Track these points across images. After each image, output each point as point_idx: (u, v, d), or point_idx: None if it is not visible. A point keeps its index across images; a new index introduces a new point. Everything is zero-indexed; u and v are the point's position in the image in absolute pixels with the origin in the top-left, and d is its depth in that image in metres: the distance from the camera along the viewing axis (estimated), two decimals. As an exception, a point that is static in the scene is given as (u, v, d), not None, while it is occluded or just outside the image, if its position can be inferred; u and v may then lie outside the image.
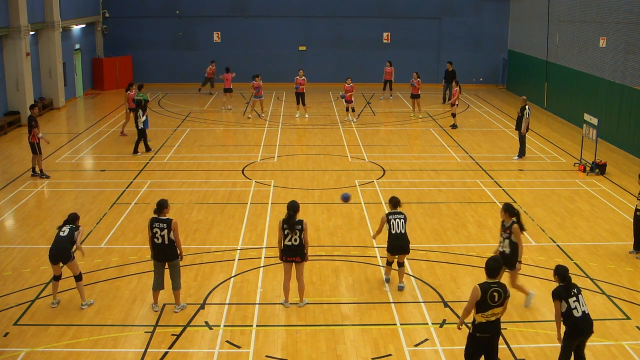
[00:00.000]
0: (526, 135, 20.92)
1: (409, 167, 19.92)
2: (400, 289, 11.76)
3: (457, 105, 25.86)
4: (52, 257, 10.95)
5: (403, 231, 11.56)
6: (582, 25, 25.95)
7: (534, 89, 30.59)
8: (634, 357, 9.86)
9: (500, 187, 18.03)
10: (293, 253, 10.93)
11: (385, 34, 35.69)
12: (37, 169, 18.66)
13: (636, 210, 13.23)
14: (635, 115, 21.21)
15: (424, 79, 34.99)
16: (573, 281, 8.87)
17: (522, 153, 20.87)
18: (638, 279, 12.54)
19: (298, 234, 10.86)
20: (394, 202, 11.90)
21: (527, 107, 20.40)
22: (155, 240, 10.72)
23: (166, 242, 10.70)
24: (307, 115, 26.97)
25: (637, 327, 10.73)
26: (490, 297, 8.28)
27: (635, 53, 22.00)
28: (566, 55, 27.11)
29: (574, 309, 8.61)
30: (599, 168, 19.19)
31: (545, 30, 28.82)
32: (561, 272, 8.83)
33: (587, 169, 19.39)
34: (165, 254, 10.77)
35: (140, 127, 20.96)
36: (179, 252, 10.90)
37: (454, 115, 25.63)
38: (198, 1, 35.00)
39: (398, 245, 11.58)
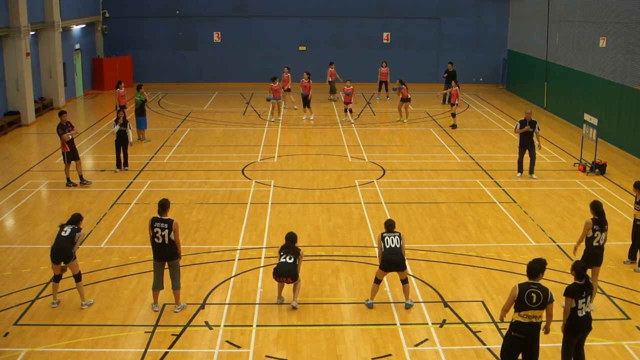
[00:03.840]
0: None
1: (409, 167, 19.92)
2: (408, 307, 11.23)
3: (457, 105, 25.85)
4: (53, 256, 10.95)
5: (398, 246, 10.91)
6: (582, 25, 25.95)
7: (533, 89, 30.62)
8: (634, 357, 9.86)
9: (500, 187, 18.03)
10: (285, 273, 10.95)
11: (385, 34, 35.69)
12: (70, 177, 17.87)
13: (635, 220, 12.89)
14: (635, 115, 21.21)
15: (424, 79, 35.25)
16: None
17: (521, 167, 19.06)
18: (638, 279, 12.55)
19: (294, 254, 11.06)
20: (389, 225, 11.16)
21: (536, 121, 18.58)
22: (156, 240, 10.74)
23: (167, 242, 10.72)
24: (309, 117, 26.39)
25: (637, 327, 10.73)
26: (528, 297, 8.34)
27: (635, 53, 21.99)
28: (566, 55, 27.11)
29: (579, 309, 8.67)
30: (599, 168, 19.19)
31: (545, 30, 28.82)
32: (578, 269, 8.79)
33: (587, 169, 19.38)
34: (166, 253, 10.78)
35: (115, 139, 19.13)
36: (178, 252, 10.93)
37: (453, 115, 25.63)
38: (198, 1, 35.00)
39: (390, 260, 10.83)
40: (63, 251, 10.91)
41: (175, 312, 10.99)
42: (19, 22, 24.72)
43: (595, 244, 11.04)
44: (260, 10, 35.13)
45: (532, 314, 8.37)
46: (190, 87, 34.65)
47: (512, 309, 8.68)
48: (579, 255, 11.26)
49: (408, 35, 35.54)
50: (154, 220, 10.79)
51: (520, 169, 18.99)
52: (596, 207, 11.13)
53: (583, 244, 11.19)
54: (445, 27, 35.53)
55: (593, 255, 11.06)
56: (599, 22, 24.44)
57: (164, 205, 10.85)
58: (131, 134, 19.25)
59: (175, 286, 10.97)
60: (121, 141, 19.03)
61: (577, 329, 8.78)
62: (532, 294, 8.35)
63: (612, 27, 23.64)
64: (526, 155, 18.78)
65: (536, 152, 18.91)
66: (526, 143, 18.60)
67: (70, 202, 16.73)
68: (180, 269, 11.04)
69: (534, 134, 18.47)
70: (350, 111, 26.24)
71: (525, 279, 8.76)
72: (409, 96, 26.43)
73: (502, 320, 9.04)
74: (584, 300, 8.71)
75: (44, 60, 28.11)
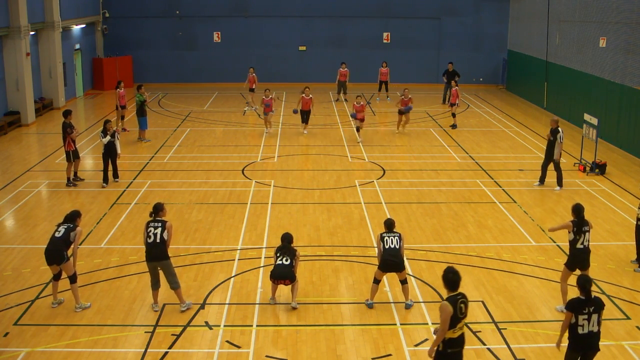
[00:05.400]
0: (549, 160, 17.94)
1: (409, 167, 19.92)
2: (408, 307, 11.26)
3: (458, 105, 25.84)
4: (46, 258, 10.96)
5: (397, 247, 10.99)
6: (582, 25, 25.95)
7: (534, 89, 30.62)
8: (634, 357, 9.87)
9: (500, 187, 18.03)
10: (282, 275, 10.95)
11: (385, 34, 35.69)
12: (71, 177, 17.97)
13: (637, 219, 12.94)
14: (635, 115, 21.21)
15: (424, 79, 35.26)
16: (595, 295, 8.55)
17: (560, 181, 17.80)
18: (638, 279, 12.55)
19: (290, 255, 11.06)
20: (389, 224, 11.25)
21: (560, 130, 17.48)
22: (148, 239, 10.77)
23: (158, 240, 10.72)
24: (305, 131, 24.29)
25: (637, 327, 10.73)
26: (459, 310, 8.02)
27: (635, 53, 22.00)
28: (566, 55, 27.11)
29: (580, 325, 8.38)
30: (599, 168, 19.18)
31: (545, 30, 28.82)
32: (580, 283, 8.52)
33: (587, 169, 19.38)
34: (155, 253, 10.74)
35: (102, 151, 17.94)
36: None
37: (454, 115, 25.63)
38: (198, 1, 35.00)
39: (389, 261, 10.90)
40: (54, 253, 10.86)
41: (182, 310, 10.99)
42: (19, 22, 24.72)
43: (579, 246, 10.90)
44: (260, 10, 35.14)
45: (461, 325, 8.07)
46: (190, 87, 34.66)
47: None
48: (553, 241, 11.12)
49: (408, 35, 35.54)
50: (148, 223, 10.90)
51: (540, 178, 18.07)
52: (577, 211, 11.01)
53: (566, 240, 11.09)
54: (445, 27, 35.52)
55: (576, 259, 10.94)
56: (599, 22, 24.45)
57: (157, 209, 10.96)
58: (119, 145, 18.17)
59: (173, 286, 10.93)
60: (109, 153, 17.80)
61: (577, 346, 8.47)
62: (461, 305, 8.04)
63: (612, 27, 23.65)
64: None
65: (556, 162, 17.64)
66: (547, 152, 17.80)
67: (71, 202, 16.73)
68: (173, 268, 11.00)
69: (556, 143, 17.41)
70: (358, 129, 23.52)
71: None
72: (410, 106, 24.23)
73: (432, 355, 8.16)
74: (585, 317, 8.35)
75: (44, 60, 28.10)
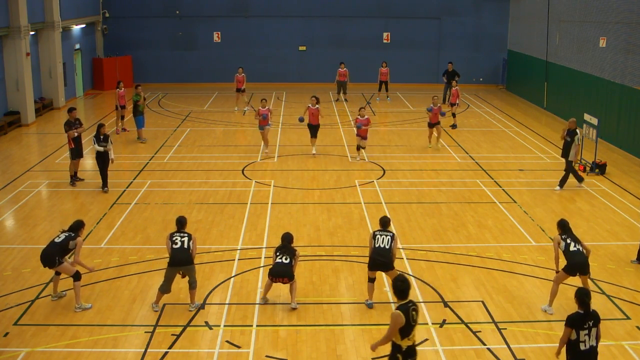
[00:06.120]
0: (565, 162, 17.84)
1: (409, 167, 19.92)
2: None
3: (458, 105, 25.84)
4: (41, 259, 11.05)
5: (387, 247, 10.99)
6: (582, 25, 25.96)
7: (534, 89, 30.62)
8: (634, 357, 9.86)
9: (500, 187, 18.03)
10: (281, 274, 10.99)
11: (385, 34, 35.68)
12: (73, 175, 17.99)
13: None
14: (635, 115, 21.21)
15: (424, 79, 35.24)
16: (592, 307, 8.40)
17: (563, 182, 17.76)
18: (638, 279, 12.55)
19: (290, 255, 11.13)
20: (384, 222, 11.32)
21: (577, 131, 17.40)
22: (174, 245, 10.93)
23: (185, 246, 10.93)
24: (314, 151, 21.38)
25: (637, 327, 10.73)
26: (412, 317, 7.97)
27: (635, 53, 22.01)
28: (566, 55, 27.11)
29: (582, 342, 8.16)
30: (599, 168, 19.19)
31: (545, 30, 28.82)
32: (579, 297, 8.32)
33: (587, 169, 19.38)
34: (181, 257, 10.88)
35: (95, 156, 17.49)
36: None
37: (454, 115, 25.63)
38: (198, 1, 35.00)
39: (377, 260, 10.95)
40: (47, 256, 10.95)
41: (190, 310, 11.04)
42: (19, 22, 24.71)
43: (573, 249, 10.81)
44: (260, 10, 35.13)
45: (414, 332, 8.03)
46: (190, 87, 34.65)
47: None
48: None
49: (408, 35, 35.54)
50: (172, 233, 11.07)
51: (577, 178, 17.83)
52: (562, 226, 11.09)
53: (561, 260, 11.01)
54: (445, 27, 35.52)
55: (573, 263, 10.80)
56: (599, 22, 24.45)
57: (182, 222, 11.18)
58: (112, 152, 17.35)
59: (193, 286, 11.09)
60: (101, 159, 17.16)
61: None
62: (413, 312, 7.97)
63: (612, 27, 23.65)
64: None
65: (572, 164, 17.61)
66: (564, 153, 17.76)
67: (71, 202, 16.73)
68: (196, 271, 11.17)
69: (572, 145, 17.26)
70: (361, 148, 20.88)
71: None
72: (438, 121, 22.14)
73: (374, 350, 8.34)
74: (586, 332, 8.15)
75: (44, 60, 28.10)
